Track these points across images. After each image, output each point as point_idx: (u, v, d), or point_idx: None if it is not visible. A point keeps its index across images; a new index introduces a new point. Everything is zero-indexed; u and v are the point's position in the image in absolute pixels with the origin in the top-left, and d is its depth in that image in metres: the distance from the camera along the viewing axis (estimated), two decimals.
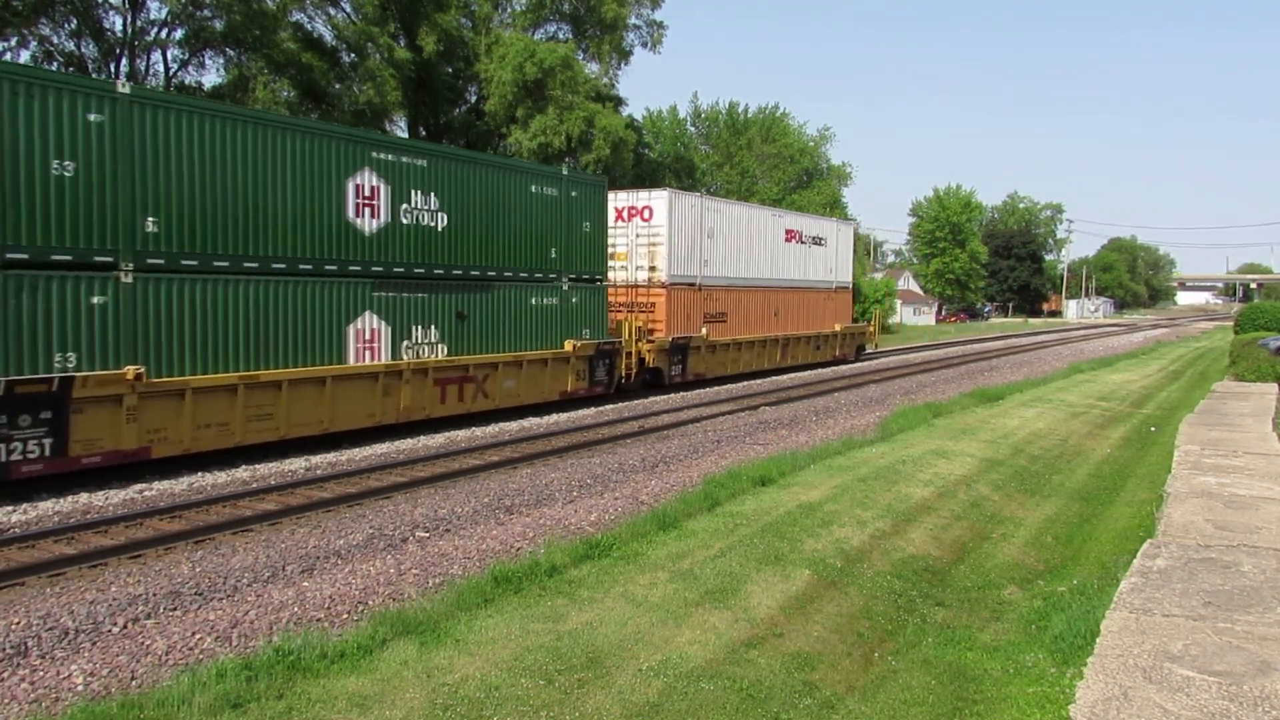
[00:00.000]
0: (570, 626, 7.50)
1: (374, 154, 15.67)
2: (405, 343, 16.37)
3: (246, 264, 13.74)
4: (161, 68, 36.57)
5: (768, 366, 29.48)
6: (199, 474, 13.23)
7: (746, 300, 28.37)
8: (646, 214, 24.82)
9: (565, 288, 20.13)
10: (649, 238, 24.75)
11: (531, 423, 18.77)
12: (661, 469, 14.20)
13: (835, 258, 34.51)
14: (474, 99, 45.74)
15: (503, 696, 6.31)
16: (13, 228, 11.16)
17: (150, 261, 12.56)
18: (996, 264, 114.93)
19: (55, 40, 33.79)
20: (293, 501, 11.69)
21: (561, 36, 45.74)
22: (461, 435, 17.08)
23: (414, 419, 16.61)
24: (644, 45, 48.76)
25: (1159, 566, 6.65)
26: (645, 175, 46.01)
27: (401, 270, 16.24)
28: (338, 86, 38.83)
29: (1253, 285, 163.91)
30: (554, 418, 19.51)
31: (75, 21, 33.52)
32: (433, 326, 16.92)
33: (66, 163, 11.61)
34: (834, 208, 62.54)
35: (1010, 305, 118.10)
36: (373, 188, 15.64)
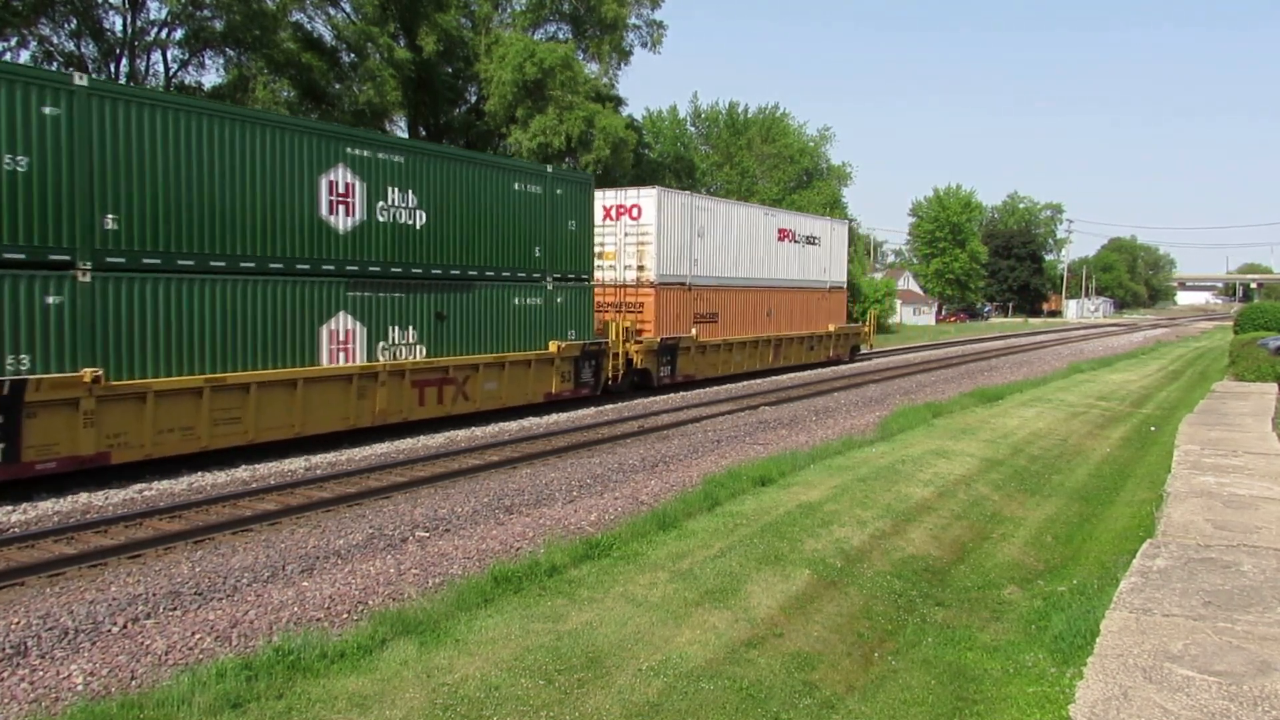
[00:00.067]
0: (570, 626, 7.50)
1: (348, 150, 15.27)
2: (381, 344, 15.99)
3: (213, 263, 13.35)
4: (161, 68, 36.62)
5: (760, 368, 29.16)
6: (199, 474, 13.23)
7: (738, 300, 28.05)
8: (635, 212, 24.48)
9: (550, 287, 19.80)
10: (638, 237, 24.41)
11: (531, 422, 18.77)
12: (661, 469, 14.20)
13: (829, 257, 34.22)
14: (474, 99, 45.73)
15: (503, 696, 6.31)
16: None
17: (110, 260, 12.14)
18: (996, 264, 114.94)
19: (55, 40, 33.81)
20: (292, 501, 11.68)
21: (561, 36, 45.74)
22: (461, 435, 17.07)
23: (391, 422, 16.23)
24: (644, 45, 48.78)
25: (1159, 566, 6.64)
26: (645, 175, 46.00)
27: (377, 269, 15.86)
28: (338, 86, 38.83)
29: (1253, 285, 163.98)
30: (554, 417, 19.51)
31: (75, 21, 33.52)
32: (410, 327, 16.55)
33: (19, 157, 11.18)
34: (834, 208, 62.51)
35: (1010, 305, 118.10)
36: (347, 184, 15.25)
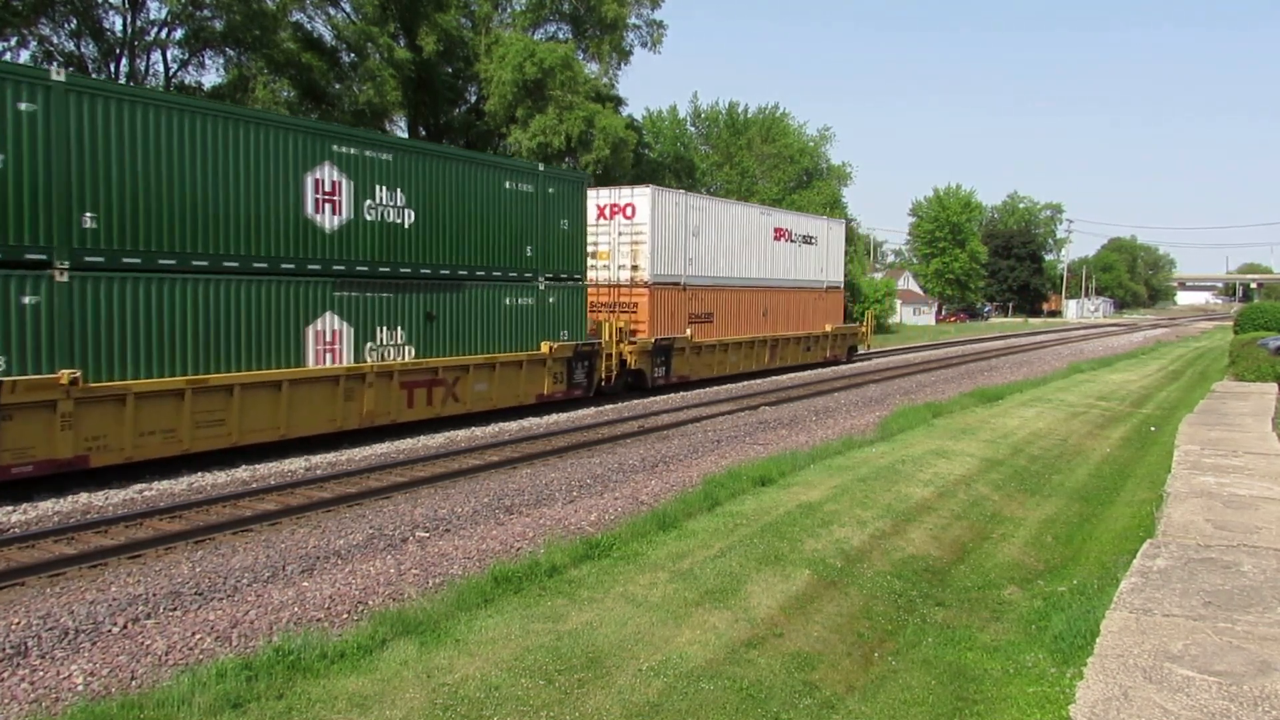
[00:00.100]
0: (570, 626, 7.50)
1: (335, 148, 15.02)
2: (369, 344, 15.76)
3: (195, 262, 13.08)
4: (161, 68, 36.62)
5: (755, 369, 28.90)
6: (199, 474, 13.23)
7: (733, 300, 27.80)
8: (629, 211, 24.19)
9: (542, 287, 19.57)
10: (631, 236, 24.12)
11: (531, 423, 18.77)
12: (661, 469, 14.20)
13: (826, 257, 33.96)
14: (474, 99, 45.73)
15: (503, 696, 6.31)
16: None
17: (88, 259, 11.87)
18: (996, 264, 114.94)
19: (55, 40, 33.81)
20: (293, 501, 11.69)
21: (561, 36, 45.74)
22: (461, 435, 17.08)
23: (378, 424, 15.99)
24: (644, 45, 48.75)
25: (1159, 566, 6.64)
26: (645, 175, 45.99)
27: (365, 269, 15.63)
28: (338, 86, 38.83)
29: (1253, 285, 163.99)
30: (554, 417, 19.51)
31: (75, 21, 33.52)
32: (399, 327, 16.31)
33: None
34: (834, 208, 62.49)
35: (1010, 305, 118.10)
36: (334, 183, 15.01)
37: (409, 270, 16.47)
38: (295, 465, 14.07)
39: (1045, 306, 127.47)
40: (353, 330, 15.48)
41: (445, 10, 40.88)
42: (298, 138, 14.49)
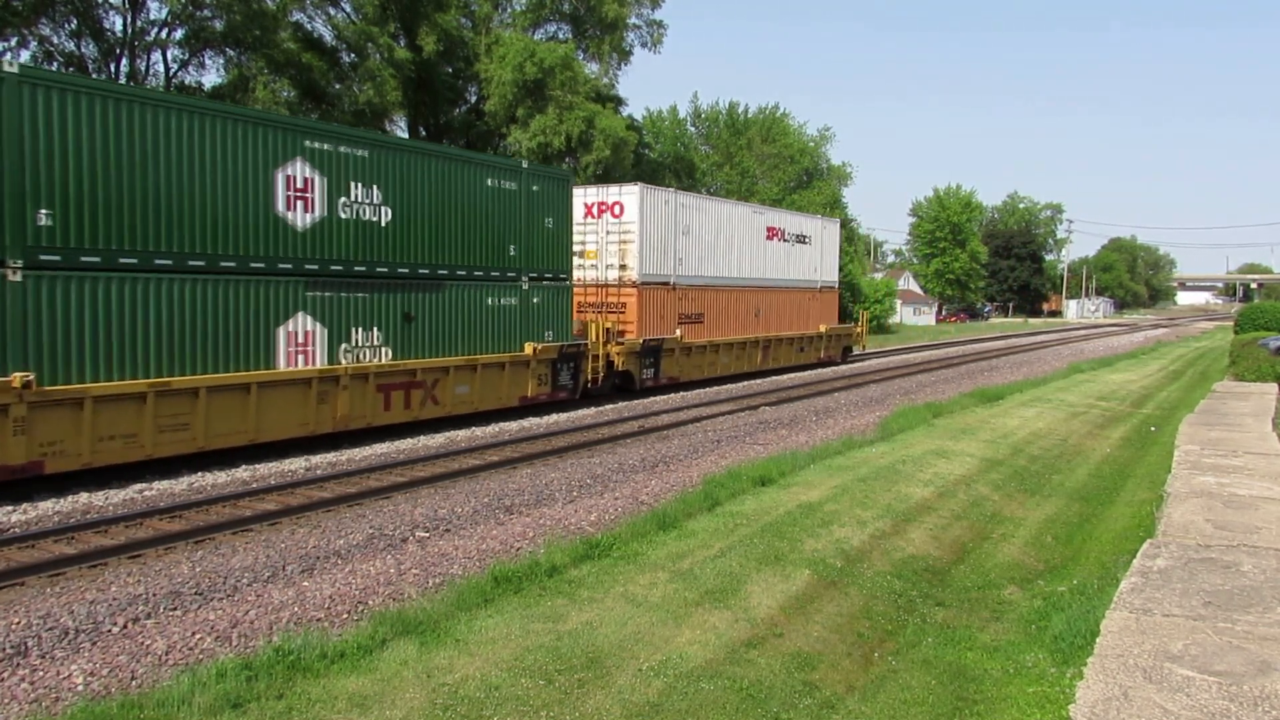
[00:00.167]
0: (570, 626, 7.50)
1: (307, 143, 14.57)
2: (344, 346, 15.31)
3: (158, 261, 12.60)
4: (161, 68, 36.65)
5: (748, 370, 28.46)
6: (199, 474, 13.23)
7: (725, 300, 27.40)
8: (617, 210, 23.72)
9: (526, 287, 19.12)
10: (620, 235, 23.68)
11: (531, 422, 18.77)
12: (661, 469, 14.20)
13: (820, 256, 33.48)
14: (474, 99, 45.75)
15: (503, 696, 6.31)
16: None
17: (43, 258, 11.41)
18: (996, 264, 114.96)
19: (55, 40, 33.83)
20: (292, 501, 11.69)
21: (561, 36, 45.76)
22: (461, 435, 17.08)
23: (354, 428, 15.54)
24: (644, 45, 48.79)
25: (1159, 566, 6.64)
26: (645, 175, 45.99)
27: (339, 268, 15.18)
28: (338, 86, 38.85)
29: (1253, 285, 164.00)
30: (554, 417, 19.51)
31: (75, 21, 33.54)
32: (375, 328, 15.86)
33: None
34: (834, 208, 62.53)
35: (1010, 305, 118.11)
36: (306, 179, 14.55)
37: (386, 269, 16.05)
38: (295, 465, 14.07)
39: (1045, 306, 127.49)
40: (326, 331, 15.06)
41: (445, 10, 40.90)
42: (267, 132, 14.04)
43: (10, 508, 11.11)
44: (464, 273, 17.68)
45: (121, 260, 12.24)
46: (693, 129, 68.51)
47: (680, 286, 25.38)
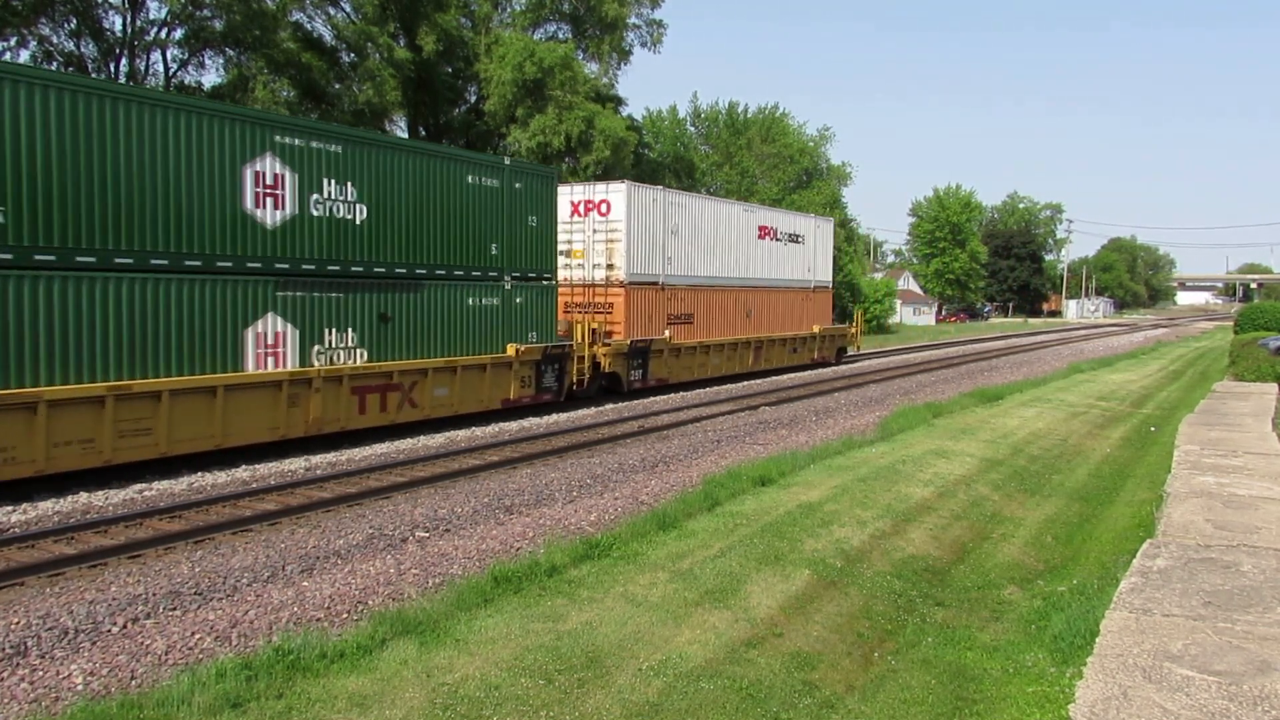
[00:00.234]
0: (570, 626, 7.51)
1: (277, 138, 14.14)
2: (316, 347, 14.89)
3: (119, 259, 12.17)
4: (161, 68, 36.64)
5: (739, 371, 28.08)
6: (199, 474, 13.23)
7: (715, 300, 26.99)
8: (604, 208, 23.27)
9: (508, 287, 18.67)
10: (607, 234, 23.24)
11: (531, 423, 18.77)
12: (661, 469, 14.20)
13: (813, 256, 33.05)
14: (474, 99, 45.75)
15: (503, 696, 6.31)
16: None
17: None
18: (996, 264, 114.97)
19: (55, 40, 33.82)
20: (292, 501, 11.69)
21: (561, 36, 45.76)
22: (461, 435, 17.08)
23: (327, 431, 15.14)
24: (644, 45, 48.76)
25: (1159, 566, 6.64)
26: (645, 175, 45.99)
27: (311, 267, 14.75)
28: (337, 86, 38.85)
29: (1253, 285, 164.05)
30: (554, 417, 19.51)
31: (75, 21, 33.52)
32: (350, 329, 15.44)
33: None
34: (834, 208, 62.51)
35: (1010, 305, 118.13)
36: (276, 175, 14.12)
37: (361, 269, 15.63)
38: (295, 465, 14.08)
39: (1045, 306, 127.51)
40: (298, 332, 14.63)
41: (445, 10, 40.89)
42: (235, 126, 13.59)
43: (10, 508, 11.11)
44: (443, 272, 17.31)
45: (79, 259, 11.83)
46: (692, 129, 68.50)
47: (669, 286, 25.00)
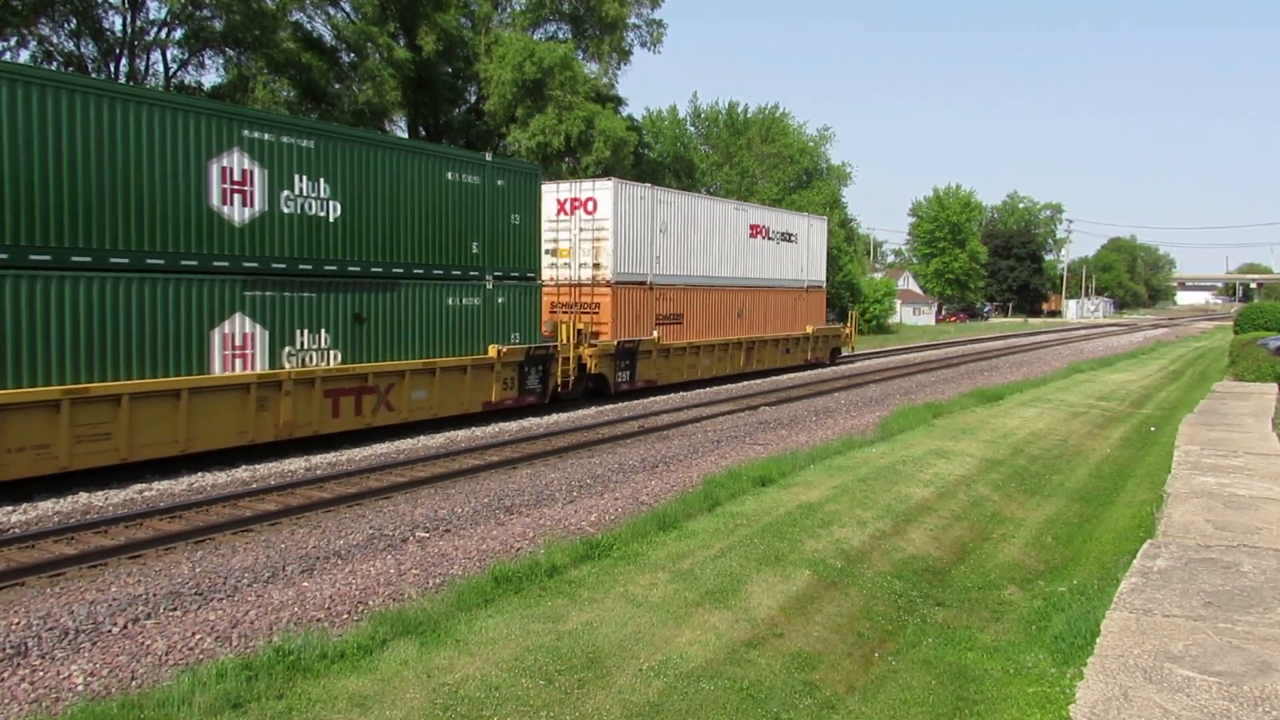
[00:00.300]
0: (570, 626, 7.50)
1: (245, 133, 13.68)
2: (287, 349, 14.46)
3: (75, 258, 11.71)
4: (161, 68, 36.67)
5: (730, 372, 27.59)
6: (199, 474, 13.23)
7: (705, 300, 26.48)
8: (590, 206, 22.71)
9: (490, 286, 18.19)
10: (593, 232, 22.67)
11: (531, 423, 18.77)
12: (661, 469, 14.20)
13: (807, 255, 32.52)
14: (474, 99, 45.77)
15: (503, 696, 6.31)
16: None
17: None
18: (996, 264, 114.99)
19: (55, 40, 33.84)
20: (293, 502, 11.69)
21: (561, 36, 45.78)
22: (461, 435, 17.08)
23: (299, 435, 14.68)
24: (644, 45, 48.80)
25: (1159, 567, 6.64)
26: (645, 175, 46.00)
27: (282, 266, 14.30)
28: (337, 86, 38.88)
29: (1253, 285, 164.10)
30: (554, 418, 19.51)
31: (75, 21, 33.55)
32: (323, 330, 14.98)
33: None
34: (834, 207, 62.62)
35: (1010, 305, 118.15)
36: (244, 171, 13.68)
37: (334, 268, 15.15)
38: (295, 465, 14.08)
39: (1045, 306, 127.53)
40: (267, 333, 14.18)
41: (445, 10, 40.91)
42: (200, 120, 13.11)
43: (10, 508, 11.11)
44: (421, 271, 16.81)
45: (32, 258, 11.36)
46: (692, 129, 68.56)
47: (658, 286, 24.49)
